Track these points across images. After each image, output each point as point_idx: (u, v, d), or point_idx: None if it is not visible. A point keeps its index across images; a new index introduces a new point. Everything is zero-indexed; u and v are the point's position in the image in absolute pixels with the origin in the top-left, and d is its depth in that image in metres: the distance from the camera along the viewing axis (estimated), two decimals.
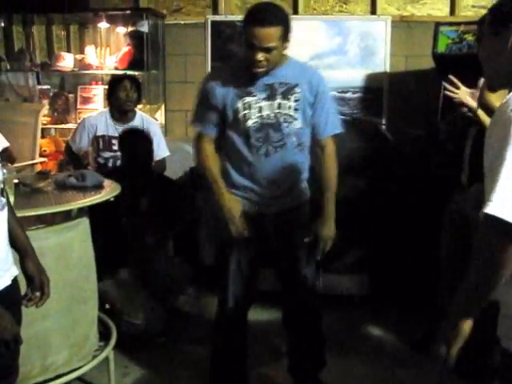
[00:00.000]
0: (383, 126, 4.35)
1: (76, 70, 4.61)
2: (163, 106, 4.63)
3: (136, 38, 4.43)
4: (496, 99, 2.34)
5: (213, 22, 4.43)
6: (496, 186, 1.29)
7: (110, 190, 2.76)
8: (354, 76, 4.38)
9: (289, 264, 2.63)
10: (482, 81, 2.46)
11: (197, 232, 3.99)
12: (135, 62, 4.41)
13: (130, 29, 4.52)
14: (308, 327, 2.71)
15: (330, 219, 2.58)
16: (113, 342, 2.82)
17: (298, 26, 4.41)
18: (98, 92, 4.77)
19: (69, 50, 4.86)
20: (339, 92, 4.40)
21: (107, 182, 2.87)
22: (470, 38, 3.51)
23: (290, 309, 2.71)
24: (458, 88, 2.61)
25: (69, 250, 2.59)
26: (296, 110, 2.46)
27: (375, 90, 4.39)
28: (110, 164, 3.86)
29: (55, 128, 4.91)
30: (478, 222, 1.33)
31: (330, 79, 4.37)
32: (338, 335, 3.39)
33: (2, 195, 1.73)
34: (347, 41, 4.37)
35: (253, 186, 2.52)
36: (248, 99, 2.43)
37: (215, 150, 2.55)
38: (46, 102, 4.83)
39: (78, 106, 4.80)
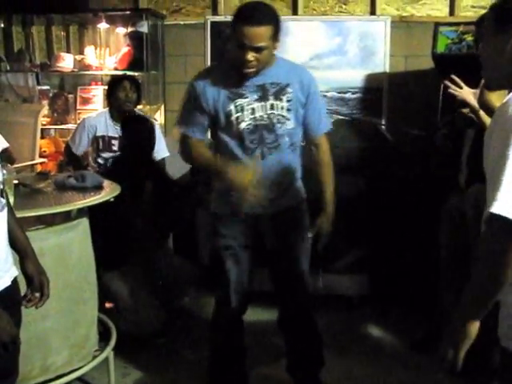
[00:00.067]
0: (383, 126, 4.35)
1: (76, 70, 4.62)
2: (163, 107, 4.64)
3: (136, 38, 4.43)
4: (496, 99, 2.34)
5: (212, 23, 4.44)
6: (501, 185, 1.29)
7: (109, 191, 2.76)
8: (353, 76, 4.39)
9: (286, 264, 2.62)
10: (483, 81, 2.46)
11: (196, 232, 3.99)
12: (135, 63, 4.42)
13: (130, 29, 4.52)
14: (304, 327, 2.70)
15: (332, 214, 2.62)
16: (113, 342, 2.82)
17: (298, 26, 4.45)
18: (98, 92, 4.77)
19: (68, 51, 4.86)
20: (339, 92, 4.41)
21: (107, 183, 2.87)
22: (469, 38, 3.51)
23: (287, 309, 2.70)
24: (460, 88, 2.61)
25: (68, 251, 2.59)
26: (289, 110, 2.45)
27: (375, 90, 4.39)
28: (110, 165, 3.85)
29: (55, 128, 4.92)
30: (477, 222, 1.33)
31: (330, 79, 4.43)
32: (337, 335, 3.40)
33: (2, 196, 1.72)
34: (347, 41, 4.38)
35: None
36: (240, 101, 2.40)
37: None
38: (45, 102, 4.83)
39: (78, 107, 4.80)
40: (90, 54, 4.62)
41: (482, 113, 2.53)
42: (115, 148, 3.82)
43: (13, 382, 1.86)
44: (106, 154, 3.86)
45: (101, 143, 3.88)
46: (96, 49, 4.68)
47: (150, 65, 4.38)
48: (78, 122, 4.27)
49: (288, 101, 2.44)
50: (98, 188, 2.78)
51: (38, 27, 5.00)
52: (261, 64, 2.34)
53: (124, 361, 3.08)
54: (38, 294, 1.83)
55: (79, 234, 2.65)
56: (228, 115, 2.41)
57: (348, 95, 4.41)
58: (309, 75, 2.54)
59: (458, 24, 3.66)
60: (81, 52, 4.77)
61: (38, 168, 4.41)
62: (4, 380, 1.79)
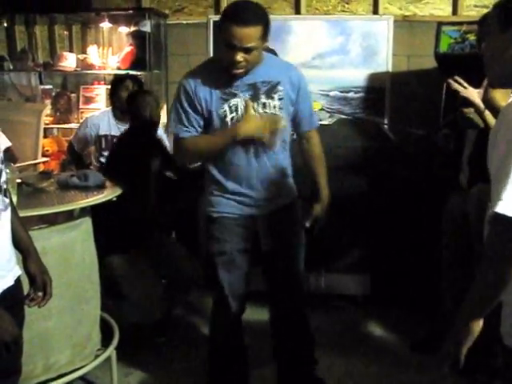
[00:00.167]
0: (385, 126, 4.35)
1: (78, 69, 4.62)
2: (165, 106, 4.64)
3: (138, 37, 4.43)
4: (500, 98, 2.34)
5: (215, 22, 4.43)
6: (506, 184, 1.29)
7: (112, 190, 2.77)
8: (356, 76, 4.39)
9: (283, 264, 2.62)
10: (486, 80, 2.46)
11: (196, 229, 3.97)
12: (137, 62, 4.42)
13: (133, 29, 4.53)
14: (298, 327, 2.70)
15: (326, 201, 2.67)
16: (115, 341, 2.82)
17: (300, 25, 4.45)
18: (101, 92, 4.78)
19: (71, 50, 4.87)
20: (341, 92, 4.41)
21: (109, 182, 2.87)
22: (472, 37, 3.51)
23: (283, 309, 2.69)
24: (464, 88, 2.60)
25: (71, 250, 2.60)
26: (280, 108, 2.44)
27: (377, 89, 4.39)
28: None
29: (57, 128, 4.93)
30: (479, 222, 1.33)
31: (332, 79, 4.43)
32: (339, 335, 3.40)
33: (5, 195, 1.73)
34: (349, 40, 4.38)
35: (244, 189, 2.47)
36: (234, 101, 2.37)
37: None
38: (48, 101, 4.83)
39: (81, 106, 4.81)
40: (93, 54, 4.62)
41: (486, 112, 2.53)
42: None
43: (15, 382, 1.86)
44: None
45: (103, 142, 3.89)
46: (99, 48, 4.69)
47: (152, 64, 4.39)
48: (81, 121, 4.28)
49: (280, 99, 2.43)
50: (101, 187, 2.79)
51: (41, 26, 5.00)
52: (250, 64, 2.31)
53: (126, 360, 3.08)
54: (40, 294, 1.84)
55: (82, 234, 2.66)
56: (222, 116, 2.38)
57: (350, 95, 4.41)
58: (297, 72, 2.53)
59: (460, 23, 3.66)
60: (83, 51, 4.77)
61: (41, 167, 4.41)
62: (6, 379, 1.80)
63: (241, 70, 2.31)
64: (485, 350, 1.90)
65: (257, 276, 2.65)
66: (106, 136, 3.89)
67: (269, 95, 2.41)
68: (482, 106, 2.53)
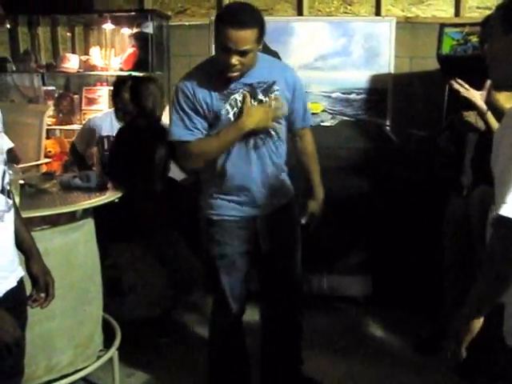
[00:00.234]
0: (387, 128, 4.35)
1: (81, 71, 4.62)
2: (168, 107, 4.64)
3: (141, 39, 4.43)
4: (504, 99, 2.34)
5: None
6: (511, 187, 1.29)
7: (114, 191, 2.77)
8: (358, 77, 4.39)
9: (282, 264, 2.62)
10: (489, 82, 2.45)
11: (197, 229, 3.96)
12: (140, 63, 4.42)
13: (135, 30, 4.53)
14: (292, 327, 2.72)
15: (322, 197, 2.69)
16: (117, 342, 2.83)
17: (303, 27, 4.46)
18: (103, 93, 4.79)
19: (74, 51, 4.88)
20: (343, 93, 4.42)
21: (111, 183, 2.88)
22: (474, 39, 3.50)
23: (280, 309, 2.69)
24: (465, 89, 2.60)
25: (74, 251, 2.60)
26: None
27: (379, 91, 4.39)
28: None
29: (60, 129, 4.93)
30: (481, 224, 1.33)
31: (335, 80, 4.43)
32: (340, 336, 3.40)
33: (9, 196, 1.73)
34: (352, 42, 4.38)
35: (245, 187, 2.45)
36: (233, 97, 2.36)
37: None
38: (50, 103, 4.85)
39: (83, 107, 4.82)
40: (96, 55, 4.63)
41: (489, 114, 2.52)
42: None
43: (18, 383, 1.86)
44: None
45: (106, 143, 3.90)
46: (101, 49, 4.70)
47: (155, 65, 4.39)
48: (84, 122, 4.29)
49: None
50: (103, 188, 2.80)
51: (44, 28, 5.01)
52: (245, 67, 2.30)
53: (128, 361, 3.09)
54: (43, 295, 1.84)
55: (84, 235, 2.66)
56: (225, 114, 2.37)
57: (353, 96, 4.41)
58: (293, 73, 2.54)
59: (463, 25, 3.65)
60: (86, 53, 4.78)
61: (44, 168, 4.42)
62: (9, 380, 1.79)
63: (236, 74, 2.30)
64: (486, 350, 1.90)
65: (257, 276, 2.66)
66: (108, 137, 3.90)
67: (266, 94, 2.42)
68: (484, 107, 2.52)
